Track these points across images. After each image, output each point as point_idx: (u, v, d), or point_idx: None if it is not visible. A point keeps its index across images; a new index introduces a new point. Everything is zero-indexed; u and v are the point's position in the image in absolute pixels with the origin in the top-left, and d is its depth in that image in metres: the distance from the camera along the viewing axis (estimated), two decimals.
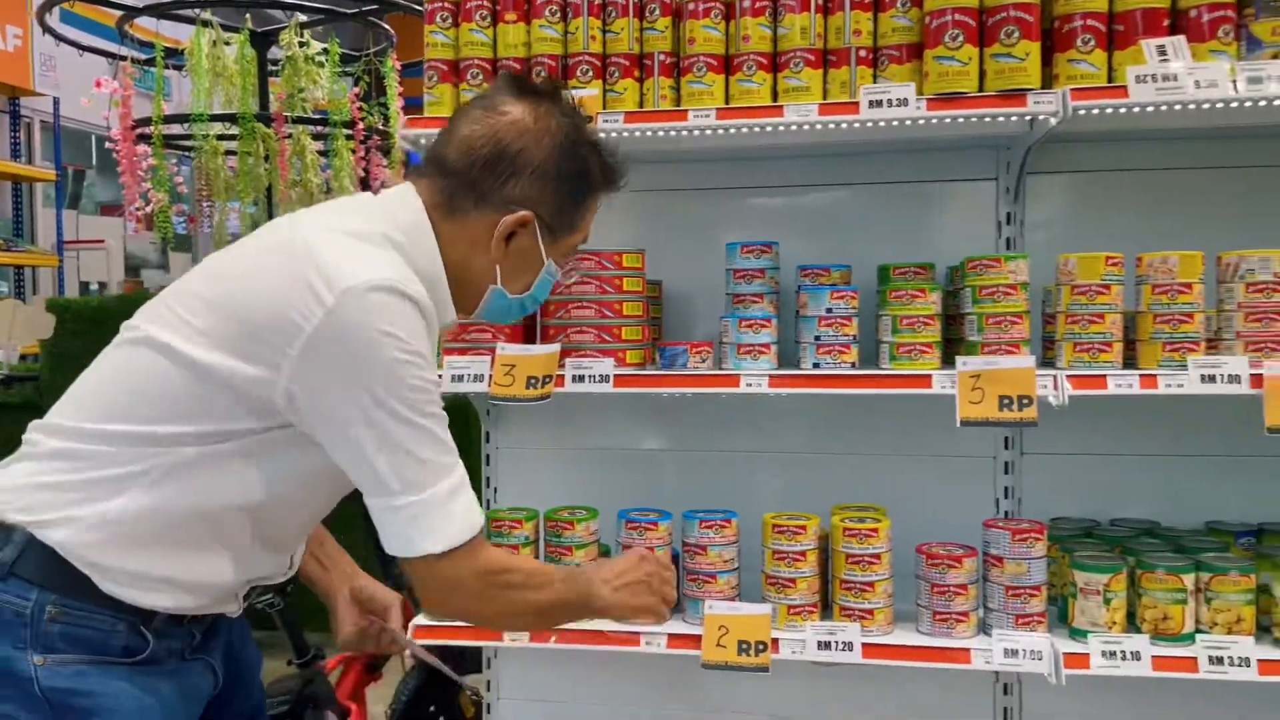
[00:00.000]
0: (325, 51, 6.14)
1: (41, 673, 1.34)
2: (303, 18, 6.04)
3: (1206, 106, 1.96)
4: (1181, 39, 1.98)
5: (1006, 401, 1.98)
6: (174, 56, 6.23)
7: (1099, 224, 2.43)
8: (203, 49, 6.00)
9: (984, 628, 2.11)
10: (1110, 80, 2.04)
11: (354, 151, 6.36)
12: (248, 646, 1.70)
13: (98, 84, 6.27)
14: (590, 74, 2.19)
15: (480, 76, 2.23)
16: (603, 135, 1.65)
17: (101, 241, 8.33)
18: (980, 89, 2.04)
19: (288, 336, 1.34)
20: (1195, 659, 1.98)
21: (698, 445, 2.61)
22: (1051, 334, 2.18)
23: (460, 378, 2.19)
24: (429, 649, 2.32)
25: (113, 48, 6.27)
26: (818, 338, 2.14)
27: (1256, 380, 1.94)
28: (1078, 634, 2.06)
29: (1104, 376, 1.98)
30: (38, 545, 1.36)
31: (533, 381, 2.16)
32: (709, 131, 2.12)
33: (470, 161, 1.52)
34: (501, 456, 2.66)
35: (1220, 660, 1.97)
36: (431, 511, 1.40)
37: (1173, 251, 2.03)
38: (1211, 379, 1.95)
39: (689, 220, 2.59)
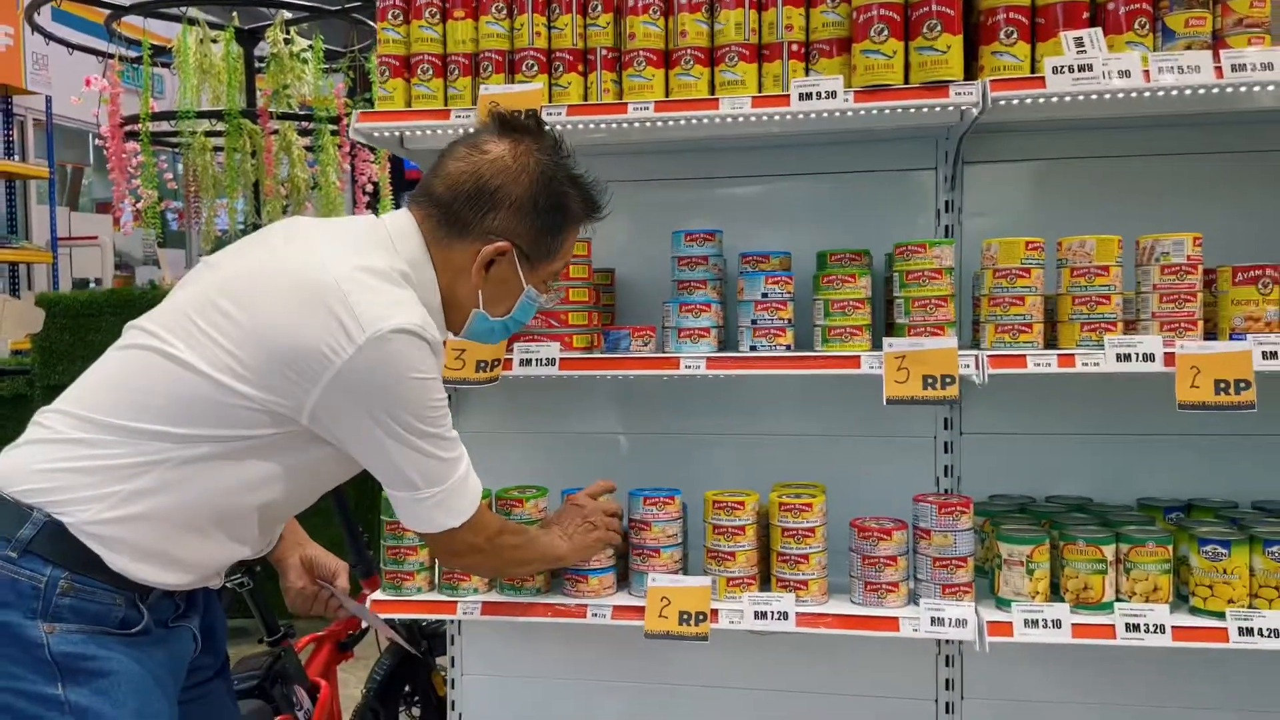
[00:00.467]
0: (310, 48, 6.22)
1: (52, 640, 1.46)
2: (288, 15, 6.12)
3: (1121, 96, 2.05)
4: (1099, 31, 2.06)
5: (930, 381, 2.07)
6: (162, 54, 6.31)
7: (1036, 211, 2.51)
8: (190, 46, 6.09)
9: (914, 598, 2.20)
10: (1033, 71, 2.12)
11: (340, 147, 6.45)
12: (214, 609, 1.82)
13: (87, 82, 6.37)
14: (535, 69, 2.27)
15: (430, 72, 2.32)
16: (580, 170, 1.82)
17: (95, 238, 8.43)
18: (906, 81, 2.12)
19: (318, 369, 1.51)
20: (1113, 626, 2.06)
21: (652, 428, 2.69)
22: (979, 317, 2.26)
23: None
24: (389, 623, 2.42)
25: (102, 45, 6.35)
26: (754, 321, 2.23)
27: (1169, 359, 2.02)
28: (1002, 603, 2.15)
29: (1024, 356, 2.07)
30: (53, 525, 1.48)
31: (482, 365, 2.25)
32: (648, 124, 2.21)
33: (454, 195, 1.69)
34: (463, 440, 2.74)
35: (1137, 627, 2.05)
36: (452, 497, 1.70)
37: (1090, 235, 2.12)
38: (1127, 358, 2.03)
39: (642, 210, 2.67)
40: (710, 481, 2.41)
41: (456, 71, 2.31)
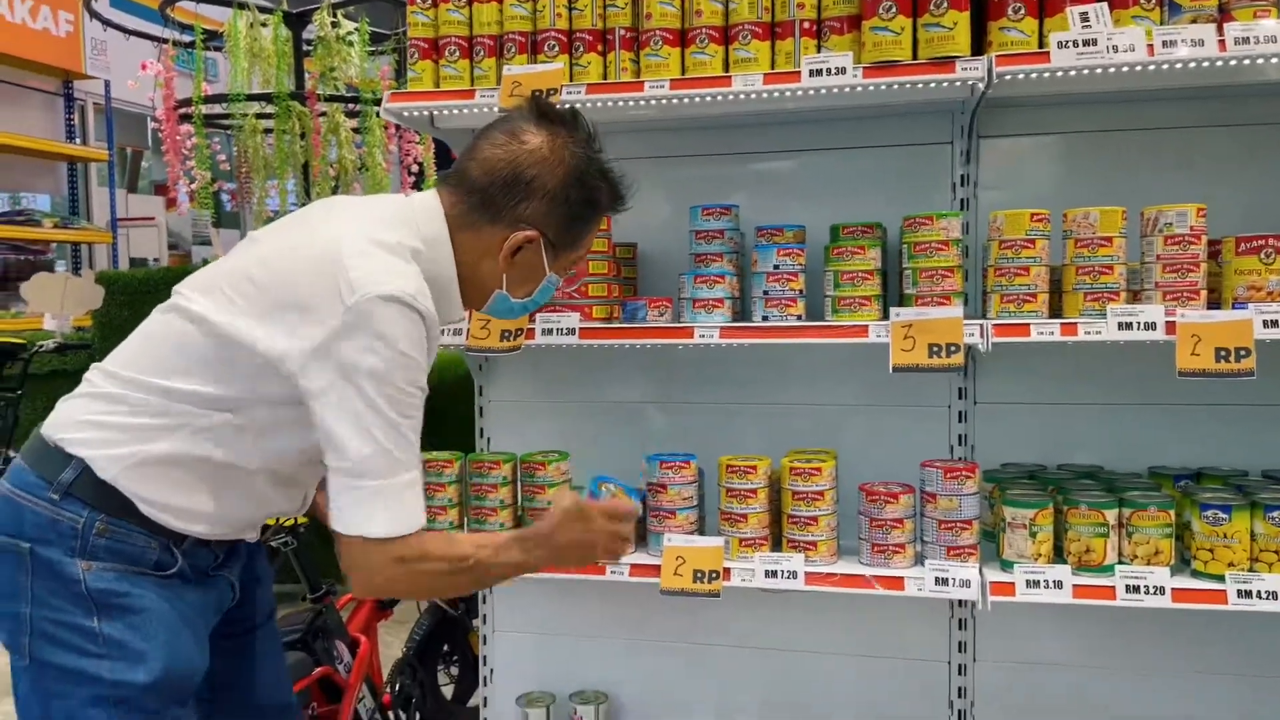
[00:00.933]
0: (356, 31, 6.34)
1: (88, 576, 1.59)
2: None
3: (1125, 70, 2.08)
4: (1104, 5, 2.10)
5: (935, 349, 2.14)
6: (214, 38, 6.49)
7: (1051, 185, 2.55)
8: (240, 30, 6.25)
9: (920, 560, 2.27)
10: (1040, 47, 2.16)
11: (385, 128, 6.58)
12: (257, 564, 1.93)
13: (143, 67, 6.56)
14: (557, 49, 2.36)
15: (457, 53, 2.42)
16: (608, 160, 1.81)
17: (152, 219, 8.70)
18: (914, 57, 2.18)
19: (312, 323, 1.56)
20: (1114, 588, 2.12)
21: (673, 398, 2.79)
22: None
23: (442, 331, 2.39)
24: None
25: (157, 30, 6.54)
26: (766, 292, 2.31)
27: (1170, 327, 2.06)
28: (1006, 565, 2.22)
29: (1027, 324, 2.12)
30: (91, 473, 1.61)
31: (506, 334, 2.35)
32: (664, 101, 2.29)
33: (490, 181, 1.72)
34: (492, 409, 2.87)
35: (1137, 589, 2.11)
36: (383, 497, 1.57)
37: (1094, 207, 2.16)
38: (1129, 326, 2.08)
39: (665, 187, 2.75)
40: (729, 449, 2.50)
41: (482, 53, 2.41)
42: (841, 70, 2.16)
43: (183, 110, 6.32)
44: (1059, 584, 2.14)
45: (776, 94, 2.23)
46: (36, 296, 5.25)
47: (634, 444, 2.70)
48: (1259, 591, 2.06)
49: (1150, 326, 2.07)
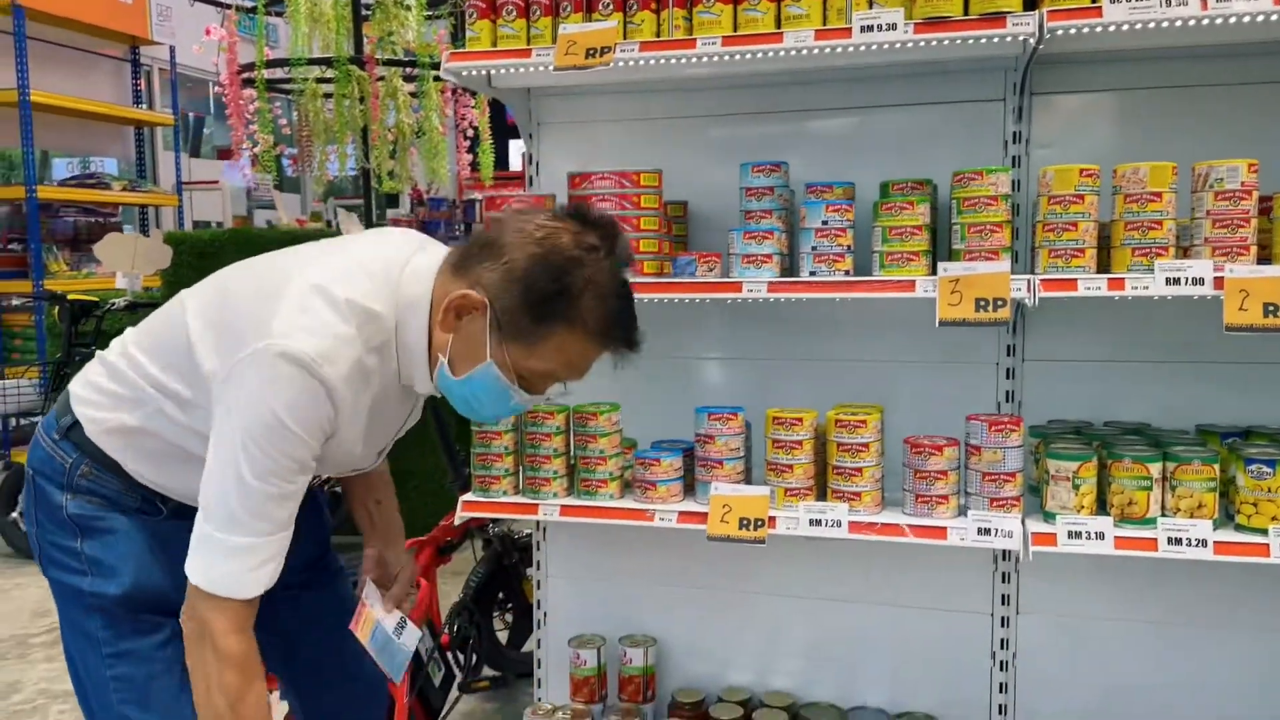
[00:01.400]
0: None
1: (70, 504, 1.77)
2: None
3: (1180, 24, 2.08)
4: None
5: (982, 303, 2.16)
6: (276, 3, 6.60)
7: (1103, 142, 2.55)
8: None
9: (963, 511, 2.31)
10: (1093, 1, 2.16)
11: (442, 93, 6.67)
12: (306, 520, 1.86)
13: (207, 32, 6.71)
14: (611, 7, 2.41)
15: (514, 13, 2.48)
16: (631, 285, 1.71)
17: (215, 182, 8.90)
18: (965, 13, 2.19)
19: (229, 351, 1.59)
20: (1155, 539, 2.14)
21: (723, 353, 2.85)
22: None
23: None
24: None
25: None
26: (814, 248, 2.35)
27: (1219, 283, 2.07)
28: (1049, 517, 2.25)
29: (1074, 279, 2.14)
30: (80, 428, 1.77)
31: None
32: (715, 58, 2.33)
33: (475, 239, 1.68)
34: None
35: (1179, 541, 2.13)
36: (212, 549, 1.57)
37: (1143, 163, 2.17)
38: (1176, 281, 2.09)
39: (716, 145, 2.80)
40: (777, 404, 2.55)
41: (538, 12, 2.47)
42: (893, 26, 2.18)
43: (245, 75, 6.46)
44: (1100, 535, 2.17)
45: (828, 50, 2.26)
46: (109, 256, 5.42)
47: (684, 397, 2.76)
48: None
49: (1198, 281, 2.08)
